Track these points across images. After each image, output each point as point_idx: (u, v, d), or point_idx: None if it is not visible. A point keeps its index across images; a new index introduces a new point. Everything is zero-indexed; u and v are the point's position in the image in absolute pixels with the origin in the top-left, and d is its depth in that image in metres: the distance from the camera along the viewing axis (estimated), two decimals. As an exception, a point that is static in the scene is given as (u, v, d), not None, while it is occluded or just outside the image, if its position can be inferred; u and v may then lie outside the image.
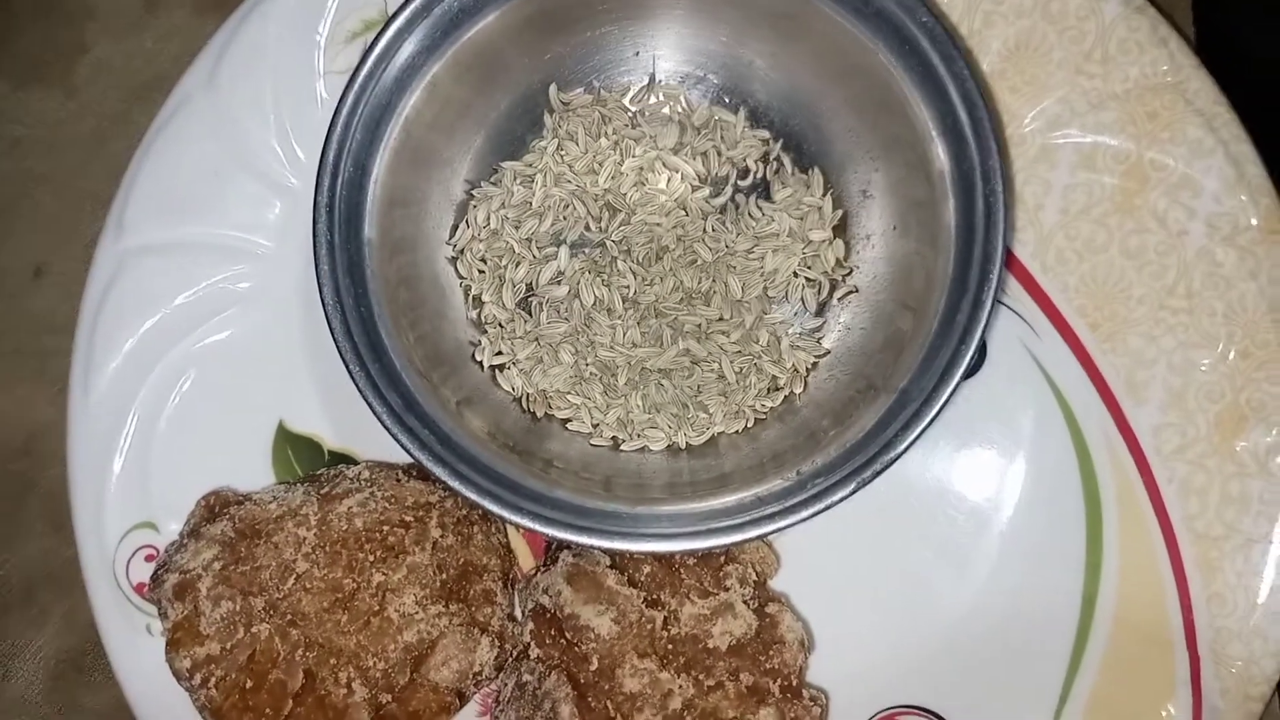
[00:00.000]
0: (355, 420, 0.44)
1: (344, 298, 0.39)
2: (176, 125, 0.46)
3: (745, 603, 0.39)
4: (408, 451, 0.39)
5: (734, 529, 0.38)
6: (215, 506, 0.42)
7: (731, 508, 0.40)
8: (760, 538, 0.38)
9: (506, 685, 0.41)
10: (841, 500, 0.38)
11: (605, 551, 0.41)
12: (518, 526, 0.41)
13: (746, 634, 0.39)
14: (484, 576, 0.43)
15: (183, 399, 0.45)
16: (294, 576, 0.40)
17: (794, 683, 0.39)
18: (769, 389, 0.45)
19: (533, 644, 0.40)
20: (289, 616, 0.39)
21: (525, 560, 0.46)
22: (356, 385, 0.39)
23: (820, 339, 0.45)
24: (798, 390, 0.45)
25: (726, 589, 0.40)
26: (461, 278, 0.46)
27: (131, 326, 0.46)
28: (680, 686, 0.38)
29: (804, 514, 0.38)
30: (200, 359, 0.46)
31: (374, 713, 0.39)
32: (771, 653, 0.39)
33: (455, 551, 0.42)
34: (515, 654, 0.42)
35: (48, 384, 0.50)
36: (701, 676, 0.38)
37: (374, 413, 0.39)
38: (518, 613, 0.44)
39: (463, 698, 0.41)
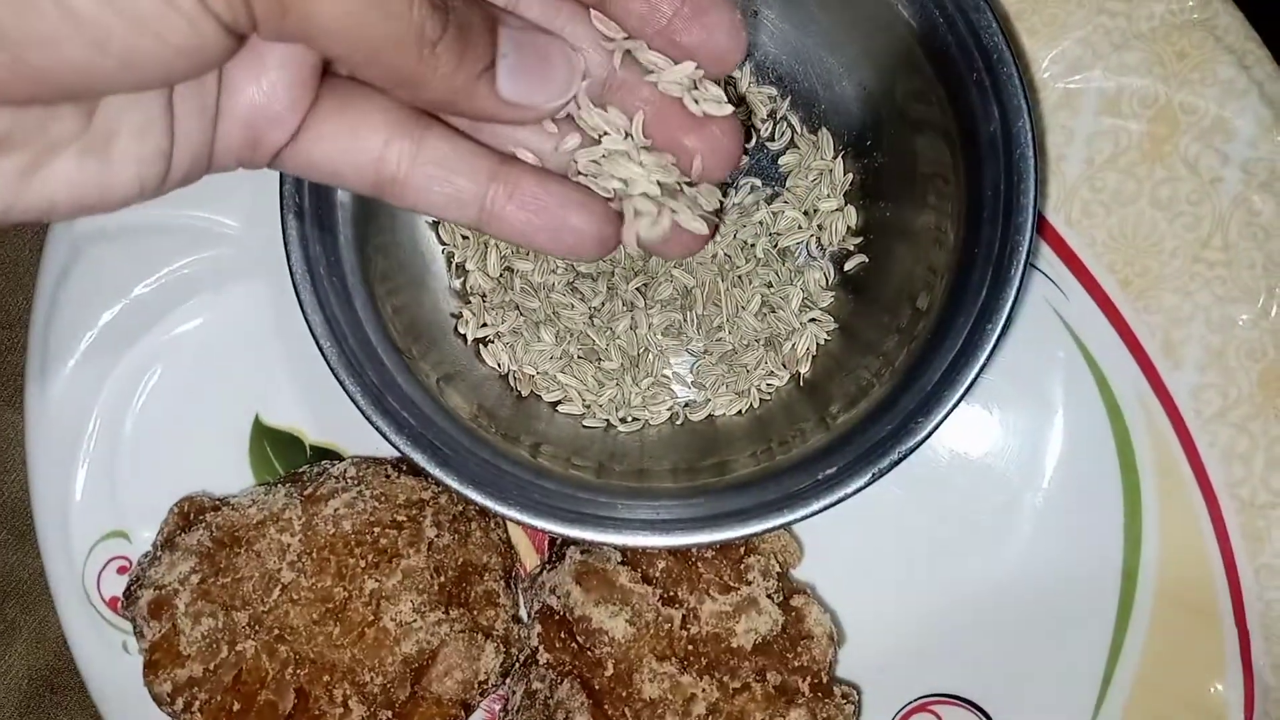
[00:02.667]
0: (337, 411, 0.41)
1: (314, 266, 0.36)
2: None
3: (769, 597, 0.37)
4: (384, 436, 0.35)
5: (746, 519, 0.35)
6: (190, 513, 0.39)
7: (741, 497, 0.37)
8: (774, 529, 0.35)
9: (515, 693, 0.38)
10: (856, 492, 0.36)
11: (608, 547, 0.38)
12: (506, 519, 0.38)
13: (772, 630, 0.36)
14: (485, 576, 0.40)
15: (150, 396, 0.42)
16: (279, 587, 0.37)
17: (824, 679, 0.37)
18: (775, 368, 0.42)
19: (541, 649, 0.37)
20: (276, 631, 0.36)
21: (529, 558, 0.43)
22: (329, 363, 0.35)
23: (831, 314, 0.42)
24: (805, 370, 0.42)
25: (748, 583, 0.37)
26: (443, 244, 0.42)
27: (89, 320, 0.42)
28: (704, 690, 0.35)
29: (817, 505, 0.35)
30: (166, 352, 0.42)
31: (374, 731, 0.36)
32: (799, 649, 0.36)
33: (453, 551, 0.39)
34: (523, 659, 0.39)
35: (1, 383, 0.46)
36: (726, 678, 0.36)
37: (348, 394, 0.36)
38: (523, 613, 0.41)
39: (468, 709, 0.38)
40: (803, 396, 0.42)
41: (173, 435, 0.42)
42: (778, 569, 0.38)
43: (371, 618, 0.37)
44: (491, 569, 0.40)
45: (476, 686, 0.38)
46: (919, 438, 0.36)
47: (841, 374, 0.41)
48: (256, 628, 0.36)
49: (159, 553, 0.38)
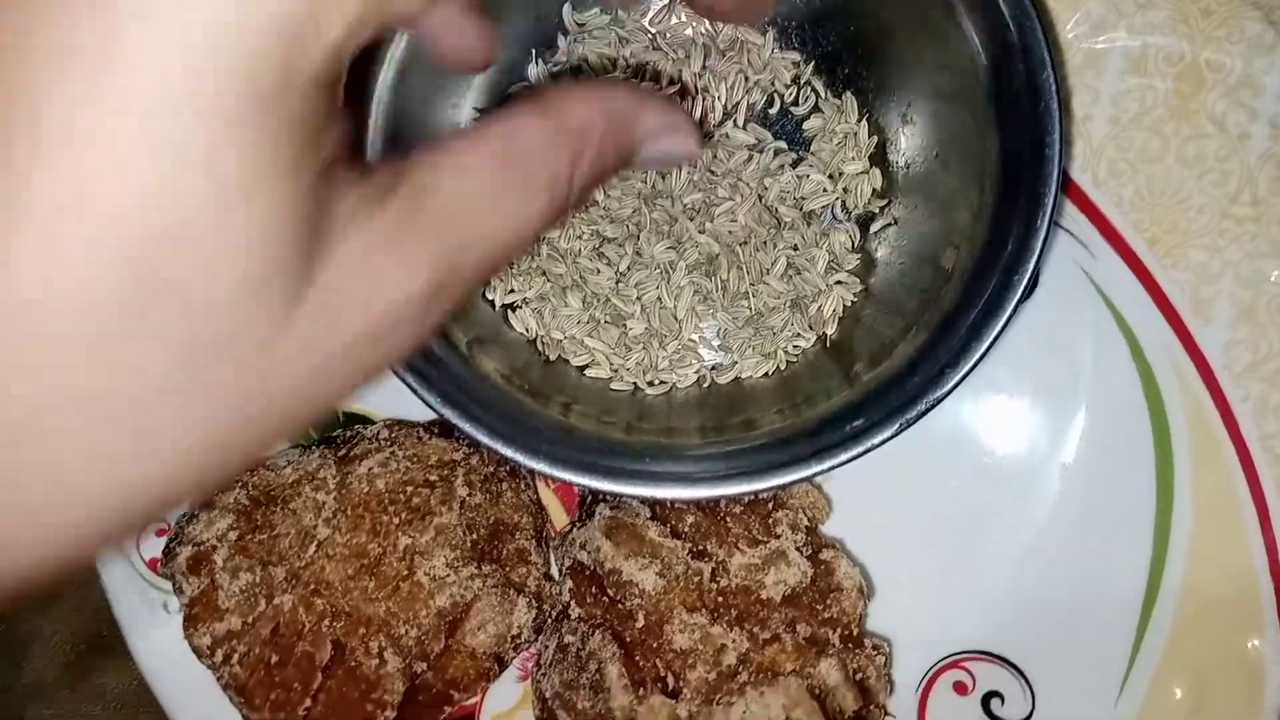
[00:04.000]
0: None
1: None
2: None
3: (798, 550, 0.37)
4: (416, 393, 0.36)
5: (773, 471, 0.36)
6: (228, 474, 0.39)
7: (768, 451, 0.37)
8: (803, 480, 0.36)
9: (547, 648, 0.38)
10: (883, 442, 0.36)
11: (639, 500, 0.38)
12: (536, 474, 0.38)
13: (801, 583, 0.36)
14: (516, 535, 0.40)
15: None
16: (315, 544, 0.37)
17: (854, 632, 0.37)
18: (801, 330, 0.43)
19: (573, 603, 0.38)
20: (312, 586, 0.37)
21: (559, 518, 0.43)
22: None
23: (857, 276, 0.43)
24: (831, 331, 0.43)
25: (777, 536, 0.37)
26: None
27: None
28: (734, 641, 0.35)
29: (844, 456, 0.36)
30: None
31: (409, 682, 0.37)
32: (829, 601, 0.36)
33: (484, 510, 0.40)
34: (554, 615, 0.39)
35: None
36: (756, 629, 0.36)
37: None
38: (554, 572, 0.41)
39: (501, 663, 0.39)
40: (829, 357, 0.42)
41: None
42: (806, 524, 0.38)
43: (406, 573, 0.37)
44: (523, 528, 0.40)
45: (509, 640, 0.38)
46: (946, 389, 0.36)
47: (867, 334, 0.42)
48: (293, 582, 0.37)
49: (197, 511, 0.38)
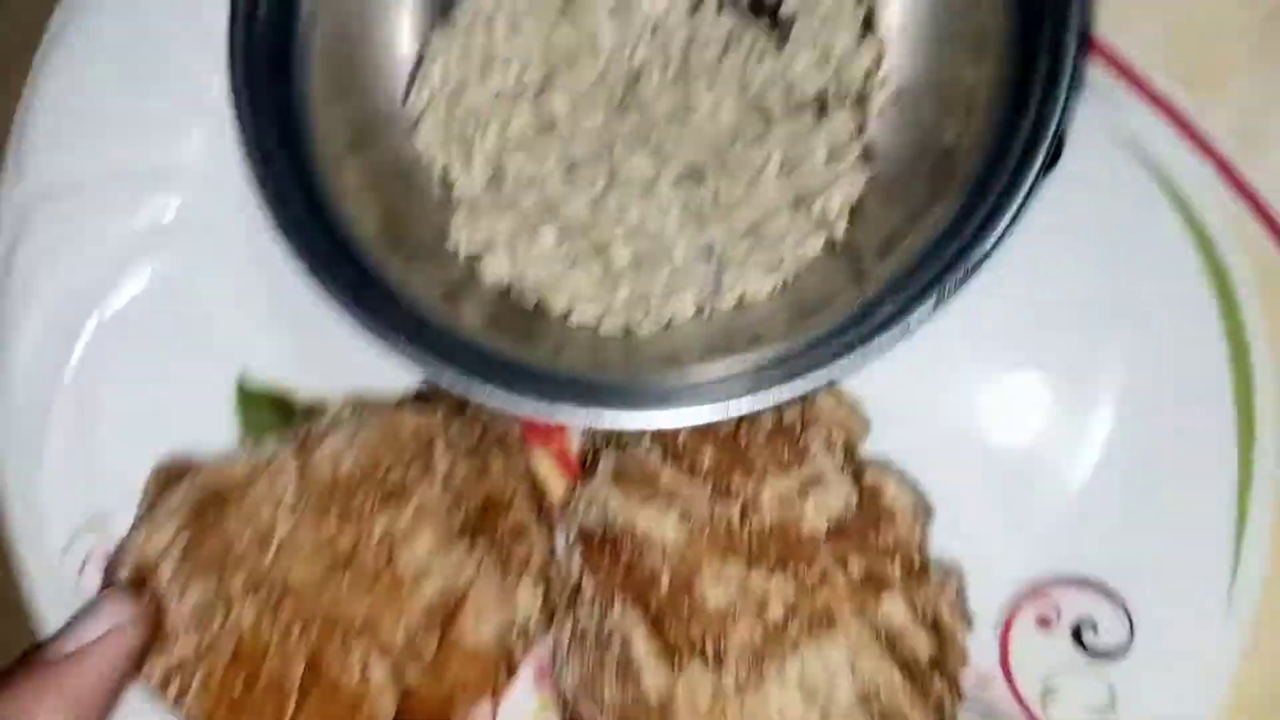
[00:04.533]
0: (330, 361, 0.37)
1: (275, 165, 0.32)
2: (73, 34, 0.38)
3: (838, 470, 0.31)
4: (371, 335, 0.31)
5: (795, 379, 0.30)
6: (170, 479, 0.34)
7: (784, 363, 0.32)
8: (832, 382, 0.30)
9: (562, 639, 0.33)
10: (921, 319, 0.30)
11: (643, 434, 0.33)
12: (525, 417, 0.33)
13: (847, 508, 0.31)
14: (511, 510, 0.35)
15: (118, 368, 0.38)
16: (276, 542, 0.32)
17: (916, 561, 0.31)
18: (807, 233, 0.37)
19: (585, 577, 0.32)
20: (277, 592, 0.31)
21: (559, 496, 0.37)
22: (305, 265, 0.31)
23: (858, 165, 0.37)
24: (839, 231, 0.37)
25: (811, 458, 0.31)
26: (420, 152, 0.38)
27: (48, 288, 0.38)
28: (778, 588, 0.30)
29: (879, 340, 0.30)
30: (129, 316, 0.38)
31: (401, 697, 0.31)
32: (882, 527, 0.31)
33: (471, 483, 0.34)
34: (565, 599, 0.34)
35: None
36: (802, 571, 0.30)
37: (348, 314, 0.31)
38: (560, 551, 0.35)
39: (511, 664, 0.33)
40: (840, 259, 0.37)
41: (151, 408, 0.37)
42: (842, 442, 0.32)
43: (384, 562, 0.32)
44: (518, 503, 0.35)
45: (516, 632, 0.32)
46: (984, 249, 0.30)
47: (878, 228, 0.36)
48: (254, 590, 0.31)
49: (138, 525, 0.33)
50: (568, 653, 0.32)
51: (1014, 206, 0.32)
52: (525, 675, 0.35)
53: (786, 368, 0.31)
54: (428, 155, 0.38)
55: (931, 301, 0.31)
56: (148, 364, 0.38)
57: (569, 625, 0.32)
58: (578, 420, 0.31)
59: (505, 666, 0.33)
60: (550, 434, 0.38)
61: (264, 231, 0.32)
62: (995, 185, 0.33)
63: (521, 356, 0.33)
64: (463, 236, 0.38)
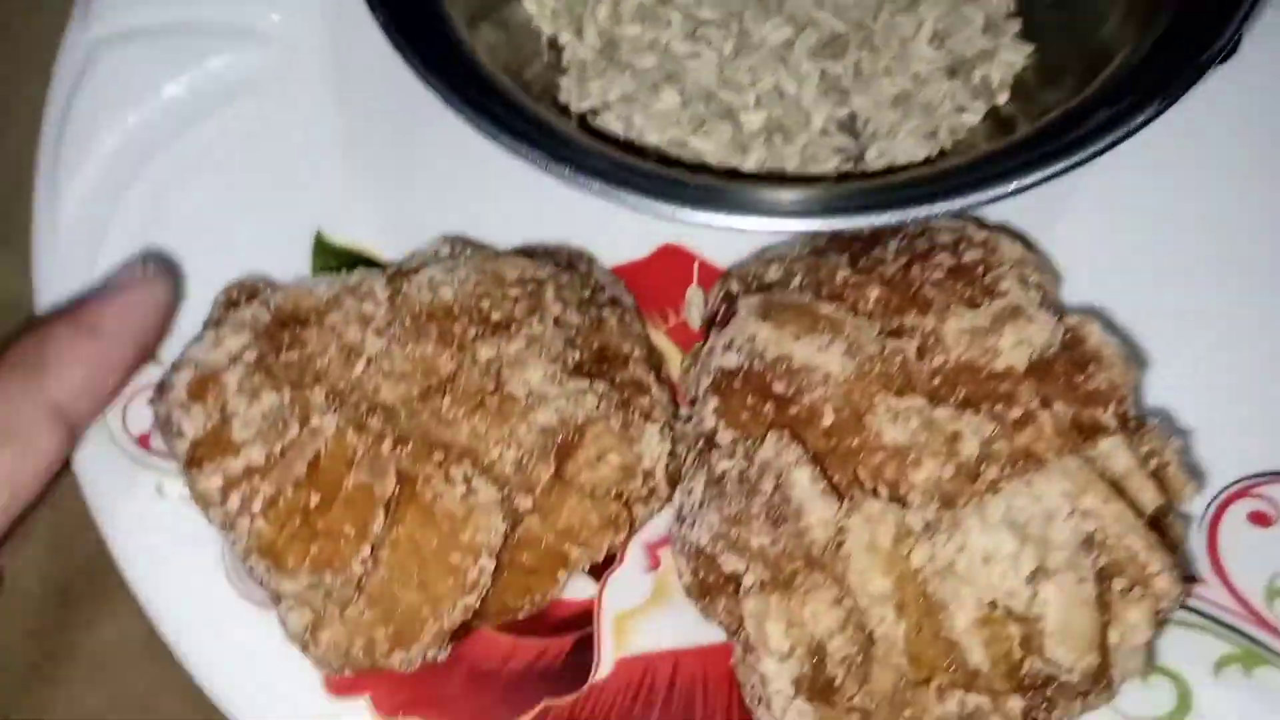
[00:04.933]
0: (412, 225, 0.33)
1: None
2: None
3: (1039, 306, 0.27)
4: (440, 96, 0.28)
5: (968, 190, 0.27)
6: (239, 299, 0.29)
7: (951, 175, 0.28)
8: (1039, 183, 0.26)
9: (691, 492, 0.27)
10: (1146, 122, 0.27)
11: (791, 268, 0.29)
12: (643, 209, 0.29)
13: (1050, 344, 0.26)
14: (629, 365, 0.30)
15: (178, 218, 0.34)
16: (364, 360, 0.27)
17: (1130, 412, 0.26)
18: (966, 101, 0.34)
19: (722, 425, 0.27)
20: (365, 407, 0.26)
21: (677, 372, 0.33)
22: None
23: (1019, 41, 0.34)
24: (1002, 99, 0.34)
25: (1004, 293, 0.27)
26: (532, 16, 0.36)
27: (107, 134, 0.34)
28: (971, 425, 0.25)
29: (1083, 154, 0.27)
30: (200, 162, 0.34)
31: (510, 524, 0.25)
32: (1090, 371, 0.26)
33: (585, 332, 0.29)
34: (694, 457, 0.28)
35: (11, 251, 0.37)
36: (1000, 410, 0.25)
37: (462, 105, 0.28)
38: (683, 418, 0.30)
39: (631, 518, 0.27)
40: (999, 135, 0.33)
41: (213, 256, 0.33)
42: (1037, 283, 0.28)
43: (492, 386, 0.27)
44: (635, 359, 0.30)
45: (640, 477, 0.27)
46: (1216, 47, 0.27)
47: (1041, 106, 0.33)
48: (337, 404, 0.26)
49: (201, 335, 0.28)
50: (699, 506, 0.26)
51: (1176, 91, 0.28)
52: (639, 559, 0.29)
53: (930, 186, 0.28)
54: (536, 23, 0.36)
55: (1074, 159, 0.27)
56: (212, 216, 0.34)
57: (702, 477, 0.27)
58: (718, 222, 0.27)
59: (627, 516, 0.27)
60: (665, 310, 0.33)
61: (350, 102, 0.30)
62: (1158, 68, 0.29)
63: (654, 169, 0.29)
64: (573, 97, 0.35)
